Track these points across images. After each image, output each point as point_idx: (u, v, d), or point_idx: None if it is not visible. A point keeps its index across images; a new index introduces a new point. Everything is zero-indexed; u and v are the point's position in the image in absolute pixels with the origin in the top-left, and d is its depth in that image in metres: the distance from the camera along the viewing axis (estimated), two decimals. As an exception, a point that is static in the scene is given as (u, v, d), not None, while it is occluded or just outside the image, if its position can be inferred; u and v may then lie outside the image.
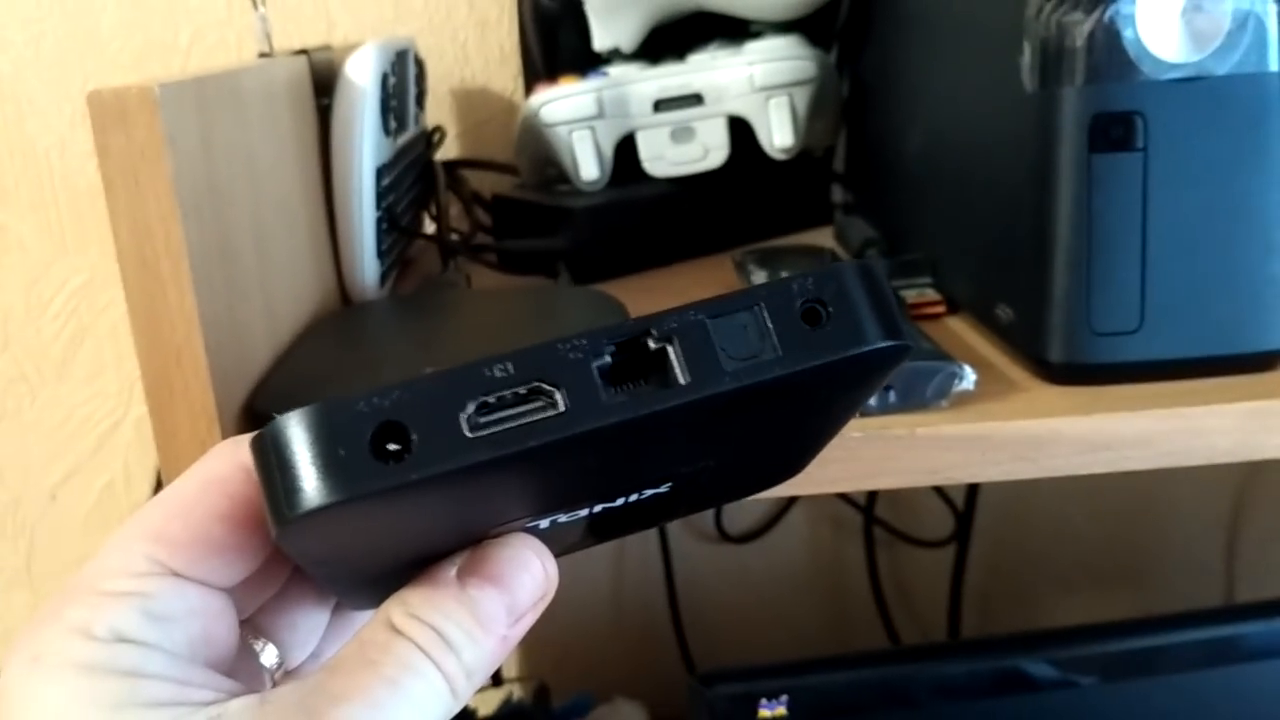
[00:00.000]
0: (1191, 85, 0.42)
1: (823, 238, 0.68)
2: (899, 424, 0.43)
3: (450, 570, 0.26)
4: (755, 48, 0.64)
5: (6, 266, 0.83)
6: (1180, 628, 0.66)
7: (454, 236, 0.68)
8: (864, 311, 0.23)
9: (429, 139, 0.72)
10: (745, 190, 0.68)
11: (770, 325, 0.23)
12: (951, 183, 0.54)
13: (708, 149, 0.65)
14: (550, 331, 0.28)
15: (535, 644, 0.90)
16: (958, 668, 0.64)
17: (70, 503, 0.88)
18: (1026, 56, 0.44)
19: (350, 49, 0.57)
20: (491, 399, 0.22)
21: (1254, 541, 0.95)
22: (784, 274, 0.28)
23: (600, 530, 0.29)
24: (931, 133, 0.57)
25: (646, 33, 0.67)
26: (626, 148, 0.65)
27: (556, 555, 0.27)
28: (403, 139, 0.63)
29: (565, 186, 0.67)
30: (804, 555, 0.92)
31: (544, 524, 0.27)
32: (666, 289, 0.62)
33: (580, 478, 0.25)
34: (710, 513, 0.89)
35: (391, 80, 0.59)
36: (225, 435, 0.42)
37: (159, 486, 0.84)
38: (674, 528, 0.89)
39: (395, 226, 0.62)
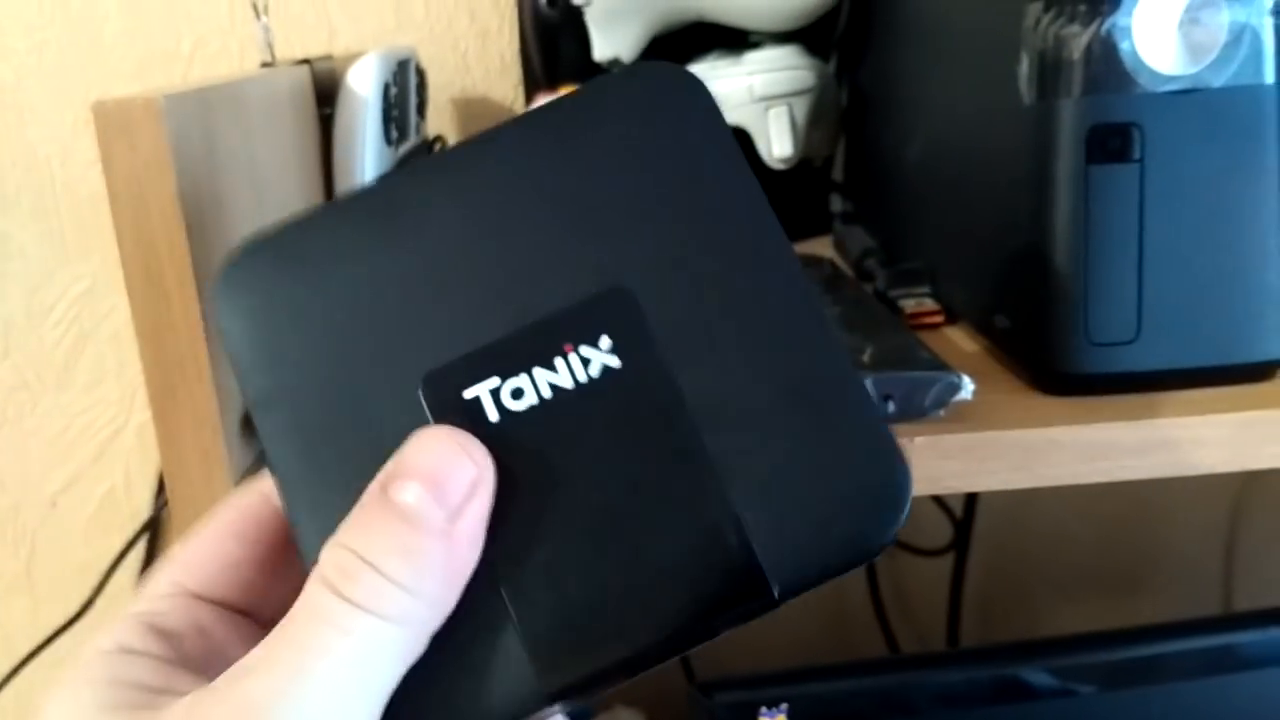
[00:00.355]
0: (1188, 97, 0.43)
1: (822, 247, 0.68)
2: (898, 433, 0.43)
3: (374, 485, 0.26)
4: (754, 58, 0.65)
5: (8, 274, 0.83)
6: (1178, 636, 0.66)
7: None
8: None
9: (430, 149, 0.73)
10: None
11: None
12: (950, 192, 0.54)
13: (707, 159, 0.65)
14: None
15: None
16: (957, 676, 0.64)
17: (71, 510, 0.88)
18: (1024, 68, 0.45)
19: (352, 58, 0.58)
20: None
21: (1251, 550, 0.95)
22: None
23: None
24: (930, 142, 0.57)
25: (646, 43, 0.67)
26: (627, 157, 0.65)
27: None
28: (404, 148, 0.64)
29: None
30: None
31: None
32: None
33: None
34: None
35: (393, 90, 0.59)
36: (228, 444, 0.42)
37: (160, 493, 0.85)
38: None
39: (396, 235, 0.62)
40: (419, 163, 0.30)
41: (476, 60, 0.81)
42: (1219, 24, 0.42)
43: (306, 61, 0.57)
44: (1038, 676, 0.64)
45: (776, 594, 0.26)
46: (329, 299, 0.28)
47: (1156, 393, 0.45)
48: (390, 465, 0.26)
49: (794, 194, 0.71)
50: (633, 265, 0.27)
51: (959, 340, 0.53)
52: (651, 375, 0.26)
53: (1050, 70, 0.43)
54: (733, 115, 0.64)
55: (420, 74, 0.69)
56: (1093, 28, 0.42)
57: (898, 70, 0.62)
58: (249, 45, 0.79)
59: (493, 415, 0.26)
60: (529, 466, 0.26)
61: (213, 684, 0.24)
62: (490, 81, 0.81)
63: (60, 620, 0.87)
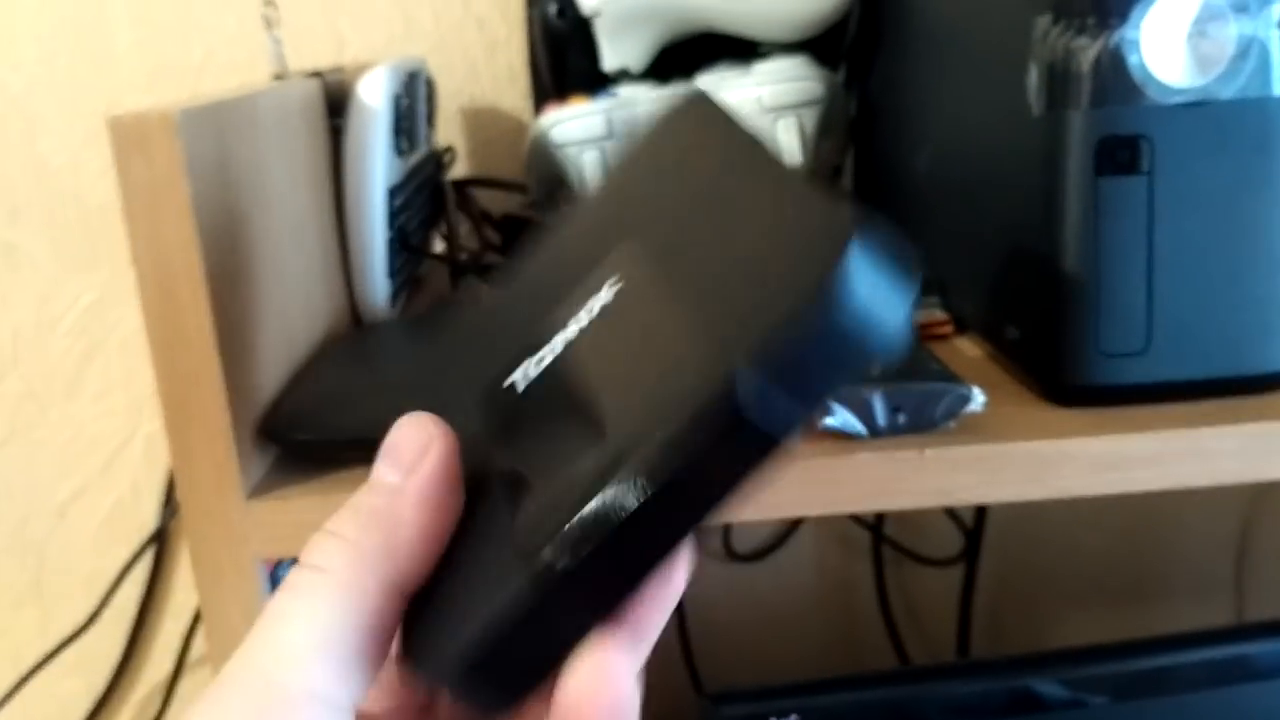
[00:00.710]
0: (1196, 109, 0.43)
1: (830, 257, 0.68)
2: (908, 445, 0.43)
3: None
4: (763, 69, 0.65)
5: (18, 284, 0.83)
6: (1190, 647, 0.66)
7: (463, 256, 0.68)
8: None
9: (439, 160, 0.73)
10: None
11: None
12: (959, 203, 0.54)
13: (716, 169, 0.65)
14: None
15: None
16: (967, 688, 0.64)
17: (79, 520, 0.88)
18: (1033, 80, 0.45)
19: (362, 69, 0.58)
20: None
21: (1263, 560, 0.95)
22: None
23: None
24: (939, 153, 0.57)
25: (655, 53, 0.68)
26: (635, 168, 0.65)
27: None
28: (414, 159, 0.64)
29: (574, 206, 0.67)
30: (813, 574, 0.92)
31: None
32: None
33: None
34: (719, 532, 0.89)
35: (403, 102, 0.59)
36: (241, 458, 0.42)
37: (168, 504, 0.85)
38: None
39: (406, 246, 0.62)
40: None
41: (485, 70, 0.81)
42: (1227, 37, 0.42)
43: (318, 74, 0.57)
44: (1048, 687, 0.64)
45: (763, 400, 0.23)
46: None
47: (1167, 404, 0.45)
48: None
49: (802, 204, 0.71)
50: (640, 230, 0.29)
51: (969, 350, 0.53)
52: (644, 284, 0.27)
53: (1059, 82, 0.43)
54: (741, 126, 0.65)
55: (430, 84, 0.69)
56: (1101, 40, 0.42)
57: (906, 81, 0.62)
58: (259, 55, 0.80)
59: (520, 387, 0.28)
60: (538, 414, 0.27)
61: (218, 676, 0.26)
62: (499, 91, 0.81)
63: (68, 630, 0.87)
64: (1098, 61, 0.42)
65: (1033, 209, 0.46)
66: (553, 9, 0.68)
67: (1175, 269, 0.44)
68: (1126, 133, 0.43)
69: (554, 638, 0.25)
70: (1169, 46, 0.42)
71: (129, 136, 0.40)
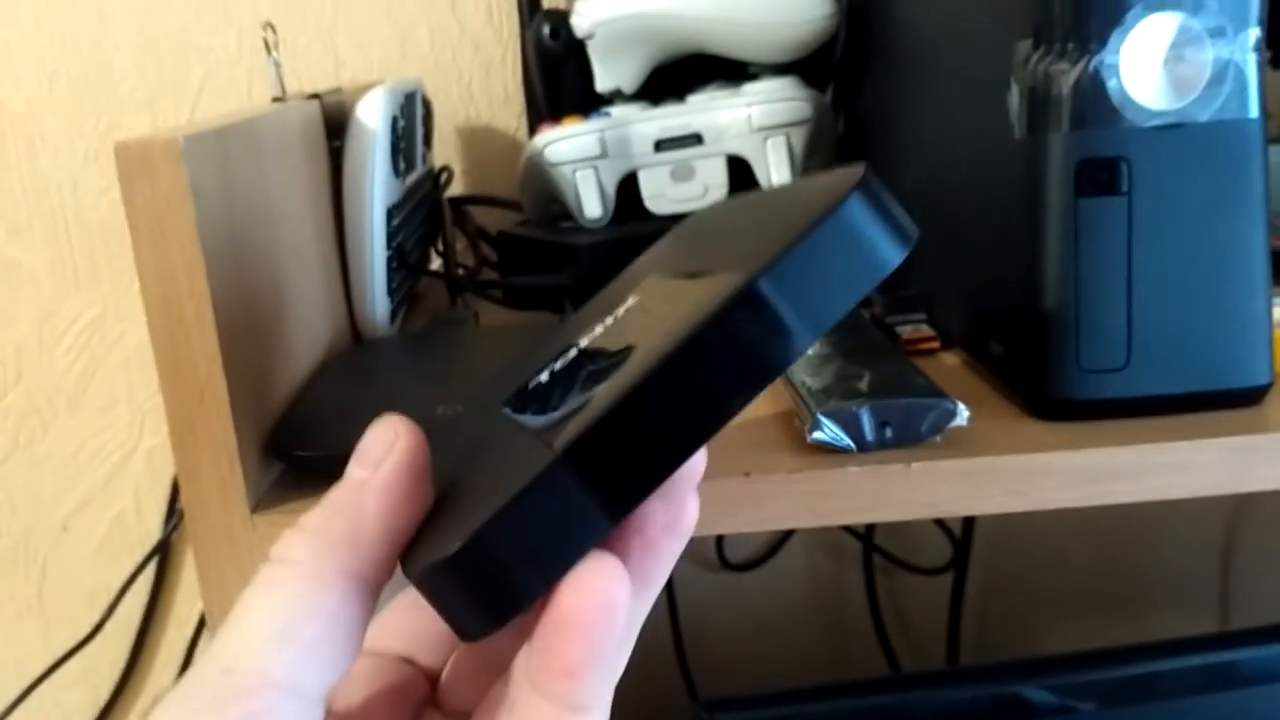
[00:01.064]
0: (1174, 131, 0.44)
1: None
2: (895, 459, 0.44)
3: None
4: (753, 89, 0.66)
5: (20, 301, 0.84)
6: (1176, 654, 0.67)
7: (460, 272, 0.69)
8: None
9: (436, 179, 0.74)
10: (745, 226, 0.69)
11: None
12: (944, 222, 0.55)
13: (707, 187, 0.67)
14: None
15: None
16: (956, 694, 0.65)
17: (82, 533, 0.89)
18: (1014, 103, 0.46)
19: (360, 91, 0.59)
20: None
21: (1247, 568, 0.96)
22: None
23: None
24: (924, 173, 0.58)
25: (647, 74, 0.69)
26: (629, 186, 0.67)
27: None
28: (411, 178, 0.65)
29: (569, 223, 0.68)
30: (804, 583, 0.93)
31: None
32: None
33: None
34: (712, 542, 0.90)
35: (401, 123, 0.61)
36: (246, 474, 0.43)
37: (169, 517, 0.86)
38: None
39: (404, 264, 0.64)
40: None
41: (480, 91, 0.82)
42: (1203, 61, 0.43)
43: (316, 96, 0.58)
44: (1037, 694, 0.64)
45: (777, 303, 0.24)
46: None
47: (1147, 418, 0.46)
48: None
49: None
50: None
51: (954, 366, 0.54)
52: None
53: (1040, 105, 0.45)
54: (731, 145, 0.66)
55: (427, 105, 0.70)
56: (1081, 65, 0.43)
57: (892, 102, 0.63)
58: (257, 76, 0.81)
59: (545, 379, 0.29)
60: (564, 381, 0.28)
61: None
62: (494, 111, 0.83)
63: (71, 643, 0.88)
64: (1077, 85, 0.44)
65: (1015, 228, 0.47)
66: (547, 31, 0.69)
67: (1154, 287, 0.45)
68: (1106, 154, 0.44)
69: (559, 537, 0.24)
70: (1147, 71, 0.43)
71: (134, 162, 0.41)
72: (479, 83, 0.82)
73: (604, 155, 0.66)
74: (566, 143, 0.66)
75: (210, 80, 0.81)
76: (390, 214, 0.60)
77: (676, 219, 0.67)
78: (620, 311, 0.29)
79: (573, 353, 0.29)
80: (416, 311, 0.69)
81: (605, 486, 0.24)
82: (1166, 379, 0.46)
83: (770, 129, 0.66)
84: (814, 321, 0.24)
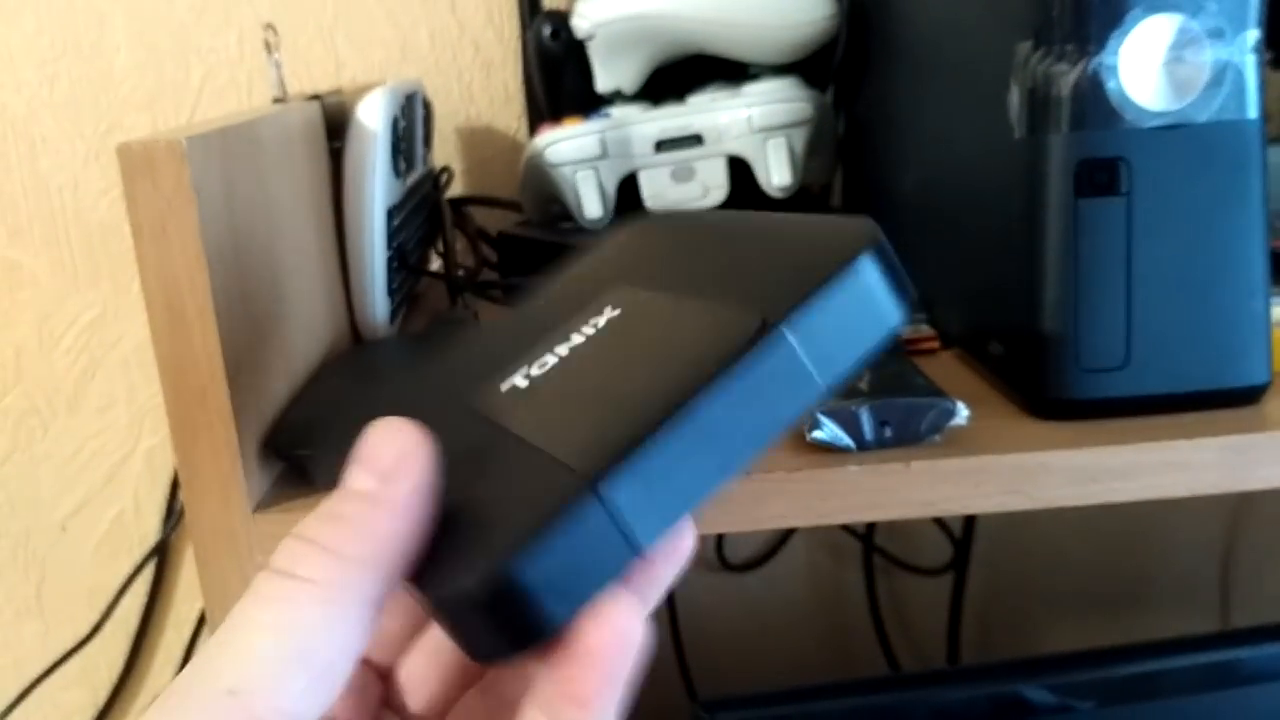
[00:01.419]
0: (1173, 132, 0.44)
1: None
2: (895, 458, 0.44)
3: None
4: (753, 90, 0.66)
5: (20, 302, 0.84)
6: (1175, 653, 0.67)
7: (460, 273, 0.69)
8: None
9: (436, 179, 0.74)
10: (744, 227, 0.69)
11: None
12: (944, 222, 0.56)
13: (708, 188, 0.67)
14: None
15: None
16: (956, 694, 0.65)
17: (80, 534, 0.89)
18: (1015, 104, 0.46)
19: (361, 92, 0.59)
20: None
21: (1247, 567, 0.96)
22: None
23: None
24: (925, 173, 0.59)
25: (648, 75, 0.69)
26: (629, 186, 0.67)
27: None
28: (411, 179, 0.65)
29: (569, 224, 0.69)
30: (805, 583, 0.93)
31: None
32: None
33: None
34: (712, 541, 0.90)
35: (401, 123, 0.61)
36: (246, 473, 0.44)
37: (168, 518, 0.86)
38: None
39: (405, 264, 0.64)
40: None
41: (481, 91, 0.82)
42: (1202, 62, 0.44)
43: (317, 97, 0.58)
44: (1037, 693, 0.65)
45: (800, 354, 0.25)
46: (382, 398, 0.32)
47: (1146, 417, 0.46)
48: None
49: (793, 221, 0.72)
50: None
51: (953, 365, 0.54)
52: (645, 293, 0.30)
53: (1039, 107, 0.45)
54: (732, 145, 0.66)
55: (427, 106, 0.70)
56: (1080, 66, 0.44)
57: (893, 103, 0.63)
58: (257, 77, 0.81)
59: (523, 385, 0.29)
60: (556, 381, 0.29)
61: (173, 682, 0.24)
62: (494, 112, 0.83)
63: (70, 643, 0.88)
64: (1077, 86, 0.44)
65: (1015, 229, 0.47)
66: (547, 32, 0.69)
67: (1153, 287, 0.45)
68: (1105, 155, 0.44)
69: (588, 569, 0.24)
70: (1146, 72, 0.44)
71: (137, 163, 0.41)
72: (479, 83, 0.82)
73: (604, 156, 0.66)
74: (567, 143, 0.66)
75: (210, 81, 0.81)
76: (391, 214, 0.60)
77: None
78: (600, 321, 0.29)
79: (552, 360, 0.29)
80: (416, 311, 0.69)
81: (635, 520, 0.24)
82: (1165, 378, 0.46)
83: (771, 130, 0.66)
84: (830, 372, 0.26)
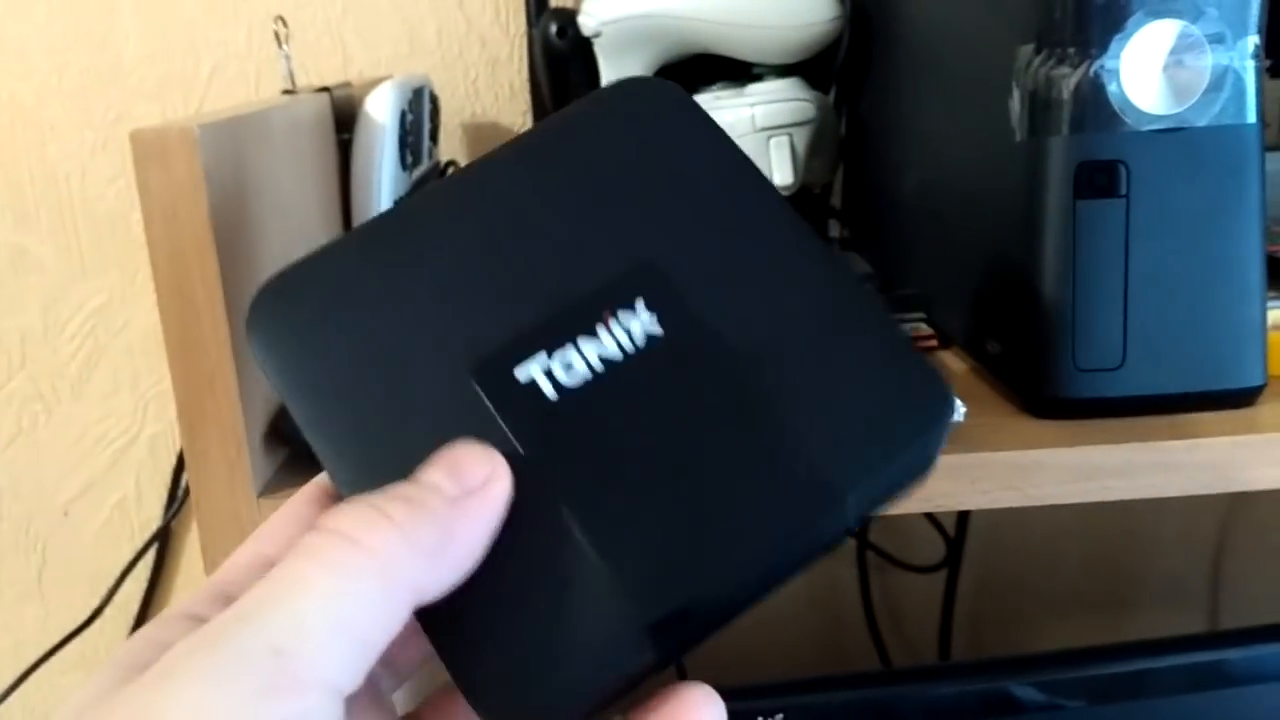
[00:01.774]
0: (1173, 136, 0.44)
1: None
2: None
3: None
4: (757, 89, 0.67)
5: (26, 288, 0.85)
6: (1165, 653, 0.67)
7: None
8: None
9: (443, 174, 0.75)
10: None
11: None
12: (944, 222, 0.56)
13: (711, 185, 0.67)
14: None
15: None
16: (947, 689, 0.65)
17: (82, 519, 0.90)
18: (1015, 106, 0.47)
19: (369, 86, 0.60)
20: None
21: (1238, 568, 0.96)
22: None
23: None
24: (926, 174, 0.59)
25: (653, 73, 0.69)
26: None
27: None
28: (418, 172, 0.66)
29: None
30: (799, 579, 0.94)
31: None
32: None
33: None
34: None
35: (409, 117, 0.61)
36: (253, 457, 0.44)
37: (170, 503, 0.87)
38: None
39: (410, 256, 0.64)
40: (431, 185, 0.32)
41: (486, 87, 0.83)
42: (1202, 66, 0.44)
43: (326, 89, 0.59)
44: (1026, 691, 0.65)
45: (850, 517, 0.27)
46: (363, 316, 0.29)
47: (1141, 417, 0.46)
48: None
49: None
50: (651, 243, 0.29)
51: (952, 364, 0.54)
52: (692, 334, 0.28)
53: (1040, 109, 0.45)
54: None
55: (434, 101, 0.71)
56: (1081, 69, 0.44)
57: (895, 103, 0.64)
58: (266, 70, 0.81)
59: (551, 394, 0.28)
60: (596, 433, 0.27)
61: (203, 627, 0.23)
62: (500, 108, 0.83)
63: (70, 628, 0.88)
64: (1078, 89, 0.44)
65: (1014, 229, 0.48)
66: (554, 29, 0.69)
67: (1150, 288, 0.45)
68: (1105, 158, 0.45)
69: (620, 685, 0.26)
70: (1147, 75, 0.44)
71: (149, 149, 0.42)
72: (485, 79, 0.83)
73: (609, 152, 0.66)
74: (572, 139, 0.66)
75: (219, 73, 0.82)
76: (397, 206, 0.60)
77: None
78: (635, 329, 0.28)
79: (581, 366, 0.28)
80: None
81: (673, 650, 0.26)
82: (1161, 379, 0.46)
83: (773, 129, 0.66)
84: (863, 513, 0.28)
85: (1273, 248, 0.48)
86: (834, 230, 0.76)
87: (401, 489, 0.25)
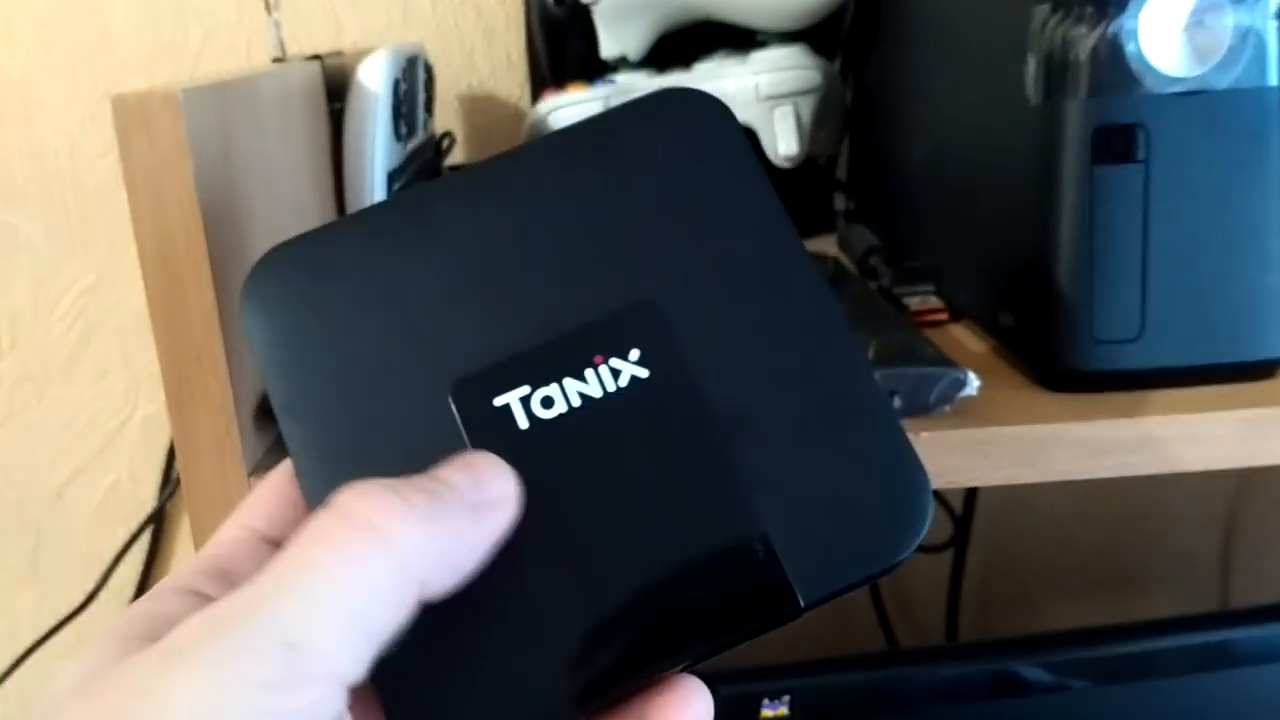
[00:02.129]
0: (1193, 99, 0.43)
1: (826, 244, 0.69)
2: (904, 428, 0.43)
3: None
4: (760, 57, 0.65)
5: (15, 266, 0.83)
6: (1174, 632, 0.67)
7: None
8: None
9: (438, 145, 0.73)
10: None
11: None
12: (955, 191, 0.55)
13: (713, 156, 0.66)
14: None
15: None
16: (954, 670, 0.65)
17: (76, 501, 0.89)
18: (1030, 69, 0.45)
19: (362, 55, 0.58)
20: None
21: (1248, 547, 0.96)
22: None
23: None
24: (935, 142, 0.58)
25: (653, 42, 0.68)
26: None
27: None
28: (412, 144, 0.64)
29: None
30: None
31: None
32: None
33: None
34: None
35: (403, 86, 0.60)
36: (242, 434, 0.43)
37: (165, 485, 0.85)
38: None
39: (405, 230, 0.63)
40: (445, 177, 0.31)
41: (483, 57, 0.81)
42: (1224, 27, 0.43)
43: (318, 57, 0.57)
44: (1034, 671, 0.64)
45: (801, 604, 0.26)
46: (355, 307, 0.28)
47: (1159, 390, 0.45)
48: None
49: (799, 192, 0.71)
50: (659, 280, 0.28)
51: (963, 337, 0.53)
52: (678, 387, 0.27)
53: (1057, 71, 0.44)
54: (739, 114, 0.65)
55: (429, 71, 0.69)
56: (1099, 30, 0.43)
57: (903, 70, 0.62)
58: (256, 40, 0.80)
59: (522, 423, 0.27)
60: (557, 473, 0.26)
61: (213, 603, 0.22)
62: (496, 78, 0.82)
63: (64, 611, 0.88)
64: (1095, 51, 0.43)
65: (1029, 197, 0.46)
66: (552, -5, 0.68)
67: (1170, 256, 0.44)
68: (1123, 121, 0.43)
69: None
70: (1166, 36, 0.43)
71: (132, 115, 0.40)
72: (481, 49, 0.81)
73: (608, 122, 0.65)
74: (570, 110, 0.65)
75: (209, 45, 0.80)
76: (391, 178, 0.59)
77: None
78: (624, 374, 0.27)
79: (560, 403, 0.27)
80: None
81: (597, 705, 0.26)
82: (1180, 350, 0.45)
83: (778, 98, 0.65)
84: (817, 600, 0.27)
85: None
86: (839, 202, 0.75)
87: (423, 481, 0.24)
